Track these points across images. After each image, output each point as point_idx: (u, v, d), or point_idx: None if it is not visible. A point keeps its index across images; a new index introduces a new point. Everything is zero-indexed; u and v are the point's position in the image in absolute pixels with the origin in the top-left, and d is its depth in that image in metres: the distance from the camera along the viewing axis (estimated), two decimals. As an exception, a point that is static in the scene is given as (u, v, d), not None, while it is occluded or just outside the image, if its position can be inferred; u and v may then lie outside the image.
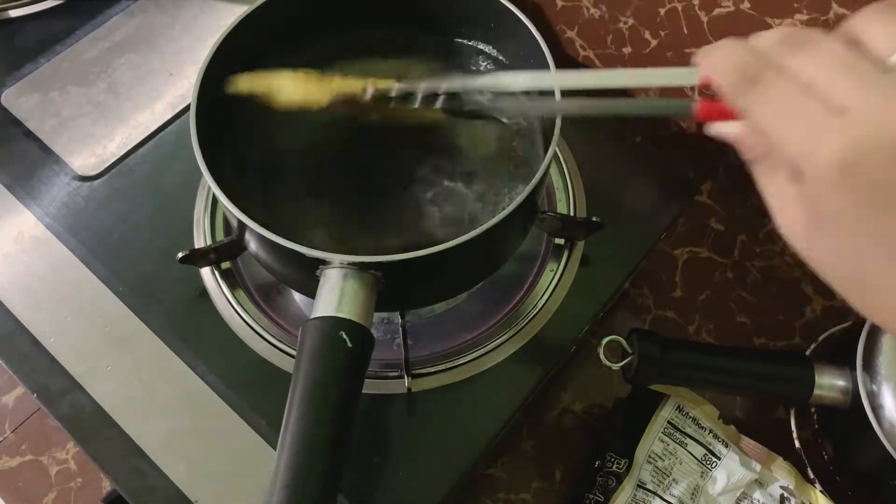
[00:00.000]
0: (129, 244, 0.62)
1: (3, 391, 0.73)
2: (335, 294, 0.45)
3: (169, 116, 0.69)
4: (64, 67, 0.72)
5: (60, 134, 0.68)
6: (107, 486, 0.67)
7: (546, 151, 0.49)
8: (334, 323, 0.44)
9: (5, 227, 0.63)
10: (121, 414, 0.55)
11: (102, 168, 0.66)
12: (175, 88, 0.71)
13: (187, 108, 0.64)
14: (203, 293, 0.60)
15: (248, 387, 0.56)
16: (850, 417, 0.57)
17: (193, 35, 0.75)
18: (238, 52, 0.54)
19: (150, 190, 0.65)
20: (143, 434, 0.55)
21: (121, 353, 0.58)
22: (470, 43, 0.62)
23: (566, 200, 0.64)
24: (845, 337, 0.64)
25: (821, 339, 0.70)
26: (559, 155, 0.66)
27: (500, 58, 0.61)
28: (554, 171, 0.66)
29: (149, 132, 0.68)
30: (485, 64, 0.62)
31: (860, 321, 0.60)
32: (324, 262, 0.46)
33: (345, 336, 0.43)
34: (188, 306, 0.60)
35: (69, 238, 0.62)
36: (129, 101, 0.70)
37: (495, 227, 0.46)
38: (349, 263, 0.45)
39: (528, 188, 0.48)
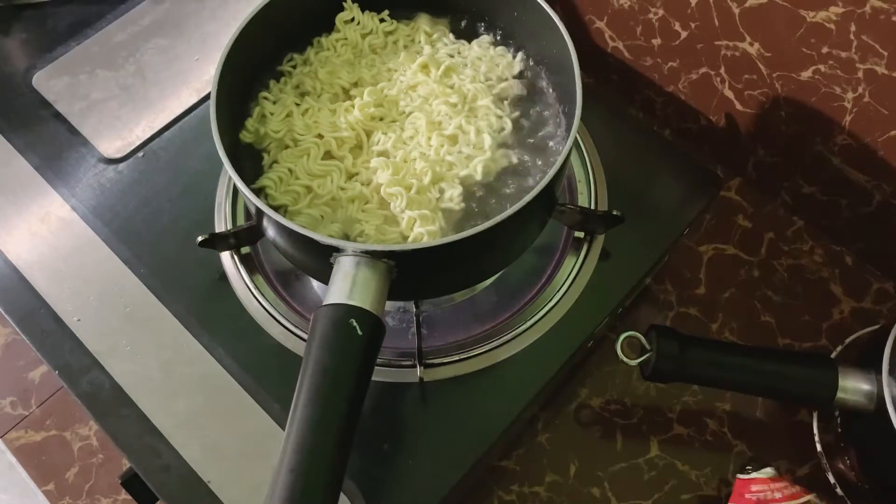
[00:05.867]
0: (152, 227, 0.63)
1: (29, 367, 0.75)
2: (347, 282, 0.45)
3: (194, 101, 0.70)
4: (93, 51, 0.73)
5: (88, 116, 0.69)
6: (127, 463, 0.68)
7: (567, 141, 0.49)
8: (345, 310, 0.44)
9: (32, 207, 0.64)
10: (138, 393, 0.56)
11: (128, 151, 0.67)
12: (200, 73, 0.72)
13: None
14: (222, 277, 0.61)
15: (263, 370, 0.57)
16: (875, 422, 0.56)
17: (221, 21, 0.75)
18: (259, 39, 0.54)
19: (174, 174, 0.66)
20: (159, 414, 0.55)
21: (140, 333, 0.59)
22: (490, 34, 0.61)
23: (587, 193, 0.64)
24: (873, 340, 0.62)
25: (848, 341, 0.68)
26: (582, 147, 0.65)
27: (527, 53, 0.60)
28: (576, 163, 0.65)
29: (174, 116, 0.69)
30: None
31: (889, 324, 0.58)
32: (337, 250, 0.46)
33: (355, 324, 0.43)
34: (207, 290, 0.60)
35: (94, 219, 0.63)
36: (155, 86, 0.71)
37: (510, 219, 0.45)
38: (362, 252, 0.45)
39: (546, 179, 0.47)
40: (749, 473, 0.60)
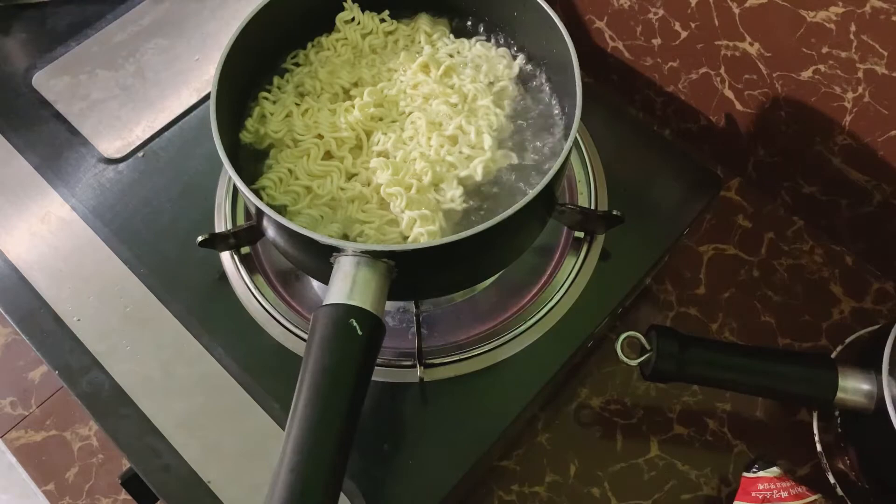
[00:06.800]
0: (152, 227, 0.63)
1: (29, 367, 0.75)
2: (347, 282, 0.45)
3: (194, 101, 0.70)
4: (93, 51, 0.73)
5: (88, 117, 0.69)
6: (127, 463, 0.68)
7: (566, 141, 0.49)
8: (345, 310, 0.44)
9: (32, 208, 0.64)
10: (138, 393, 0.56)
11: (128, 151, 0.67)
12: (200, 73, 0.72)
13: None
14: (222, 277, 0.61)
15: (263, 370, 0.57)
16: (875, 422, 0.56)
17: (221, 20, 0.75)
18: (259, 40, 0.54)
19: (174, 174, 0.66)
20: (159, 414, 0.55)
21: (140, 333, 0.59)
22: (490, 34, 0.61)
23: (587, 193, 0.64)
24: (873, 340, 0.62)
25: (848, 341, 0.68)
26: (582, 147, 0.65)
27: (527, 53, 0.60)
28: (576, 163, 0.65)
29: (174, 116, 0.69)
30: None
31: (889, 324, 0.58)
32: (337, 250, 0.46)
33: (355, 324, 0.43)
34: (207, 290, 0.60)
35: (94, 219, 0.63)
36: (155, 86, 0.71)
37: (510, 219, 0.45)
38: (362, 251, 0.45)
39: (546, 179, 0.47)
40: (756, 472, 0.60)
